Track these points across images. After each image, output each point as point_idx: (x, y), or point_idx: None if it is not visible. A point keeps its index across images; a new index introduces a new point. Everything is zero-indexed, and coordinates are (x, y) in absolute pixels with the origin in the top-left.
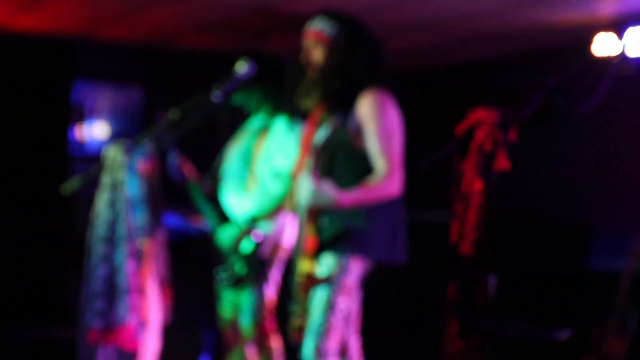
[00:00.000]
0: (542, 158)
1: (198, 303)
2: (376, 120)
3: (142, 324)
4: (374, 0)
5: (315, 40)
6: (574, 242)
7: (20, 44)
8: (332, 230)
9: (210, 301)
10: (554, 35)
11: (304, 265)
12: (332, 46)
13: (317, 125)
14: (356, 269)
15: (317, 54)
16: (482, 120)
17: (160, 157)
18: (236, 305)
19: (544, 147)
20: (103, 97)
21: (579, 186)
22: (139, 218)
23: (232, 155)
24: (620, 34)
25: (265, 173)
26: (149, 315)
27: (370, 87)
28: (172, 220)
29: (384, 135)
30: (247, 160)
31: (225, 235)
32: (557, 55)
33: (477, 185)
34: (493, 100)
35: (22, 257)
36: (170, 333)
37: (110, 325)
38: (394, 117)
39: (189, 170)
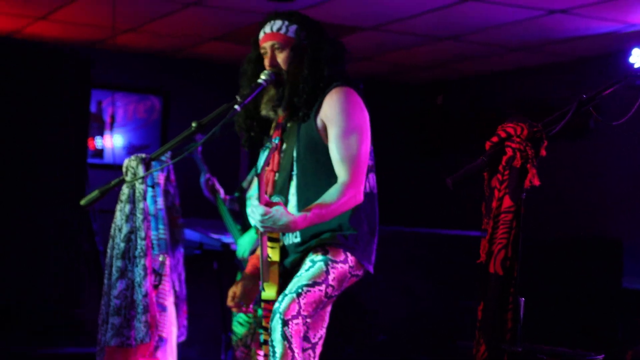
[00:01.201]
0: (573, 174)
1: (216, 318)
2: (340, 120)
3: (160, 341)
4: (395, 8)
5: (279, 42)
6: (606, 260)
7: (38, 52)
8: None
9: (228, 316)
10: (588, 47)
11: (268, 293)
12: (297, 48)
13: (282, 134)
14: (355, 265)
15: (280, 57)
16: (511, 134)
17: (181, 170)
18: (249, 321)
19: (575, 162)
20: (122, 106)
21: (611, 203)
22: (158, 232)
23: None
24: None
25: None
26: (167, 331)
27: (336, 85)
28: (192, 233)
29: (347, 138)
30: None
31: (244, 243)
32: (591, 67)
33: (507, 202)
34: (523, 112)
35: (39, 271)
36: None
37: (128, 342)
38: (360, 116)
39: (217, 188)
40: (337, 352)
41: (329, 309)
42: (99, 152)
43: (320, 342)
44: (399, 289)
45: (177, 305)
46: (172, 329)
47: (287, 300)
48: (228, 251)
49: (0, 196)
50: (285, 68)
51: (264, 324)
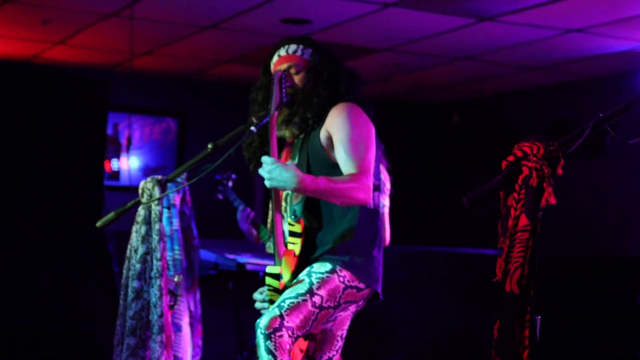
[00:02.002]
0: (589, 192)
1: (231, 338)
2: (347, 127)
3: None
4: (410, 29)
5: (296, 64)
6: (623, 278)
7: (55, 75)
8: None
9: (244, 335)
10: (604, 65)
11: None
12: (313, 70)
13: (292, 153)
14: (348, 277)
15: (297, 78)
16: (528, 153)
17: (197, 191)
18: None
19: (592, 180)
20: (138, 128)
21: (627, 221)
22: (174, 253)
23: None
24: None
25: None
26: (182, 351)
27: (343, 101)
28: (207, 254)
29: (355, 143)
30: None
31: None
32: (608, 86)
33: (523, 221)
34: (539, 131)
35: (55, 291)
36: None
37: None
38: (367, 126)
39: (259, 221)
40: None
41: (341, 331)
42: (115, 174)
43: None
44: (419, 307)
45: (192, 325)
46: (187, 349)
47: (268, 314)
48: (243, 271)
49: (17, 218)
50: (302, 88)
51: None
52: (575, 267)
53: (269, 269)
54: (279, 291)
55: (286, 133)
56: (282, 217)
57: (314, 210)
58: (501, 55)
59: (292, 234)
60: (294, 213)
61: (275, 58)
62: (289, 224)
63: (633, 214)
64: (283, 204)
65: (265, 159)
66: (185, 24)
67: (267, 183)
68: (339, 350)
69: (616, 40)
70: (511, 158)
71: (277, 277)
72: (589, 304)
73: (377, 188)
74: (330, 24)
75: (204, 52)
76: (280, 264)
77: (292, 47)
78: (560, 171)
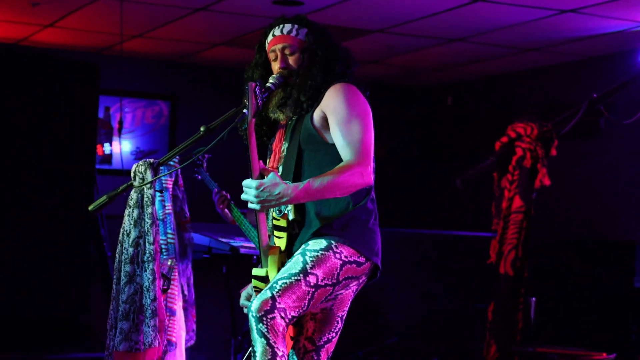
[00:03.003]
0: (584, 173)
1: (225, 322)
2: (344, 108)
3: (169, 345)
4: (403, 10)
5: (290, 44)
6: (618, 261)
7: (46, 59)
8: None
9: (237, 320)
10: (599, 46)
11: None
12: (308, 51)
13: (288, 130)
14: (346, 252)
15: (291, 59)
16: (521, 134)
17: (189, 174)
18: None
19: (586, 162)
20: (130, 111)
21: (622, 203)
22: (167, 237)
23: None
24: None
25: None
26: (176, 335)
27: (340, 81)
28: (200, 237)
29: (352, 124)
30: None
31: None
32: (602, 66)
33: (517, 203)
34: (533, 112)
35: (47, 277)
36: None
37: (137, 347)
38: (364, 107)
39: (229, 204)
40: (347, 354)
41: (341, 312)
42: (107, 158)
43: (328, 346)
44: (412, 290)
45: (185, 309)
46: (181, 333)
47: (259, 297)
48: (237, 255)
49: (8, 202)
50: (296, 69)
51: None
52: (570, 249)
53: (255, 272)
54: None
55: (280, 115)
56: (266, 213)
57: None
58: (495, 37)
59: (277, 228)
60: (278, 207)
61: (269, 37)
62: (274, 218)
63: (628, 196)
64: None
65: (247, 182)
66: (176, 6)
67: (255, 207)
68: (338, 333)
69: (610, 21)
70: (505, 139)
71: (263, 279)
72: (583, 286)
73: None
74: (323, 5)
75: (196, 35)
76: (266, 264)
77: (287, 27)
78: (554, 152)
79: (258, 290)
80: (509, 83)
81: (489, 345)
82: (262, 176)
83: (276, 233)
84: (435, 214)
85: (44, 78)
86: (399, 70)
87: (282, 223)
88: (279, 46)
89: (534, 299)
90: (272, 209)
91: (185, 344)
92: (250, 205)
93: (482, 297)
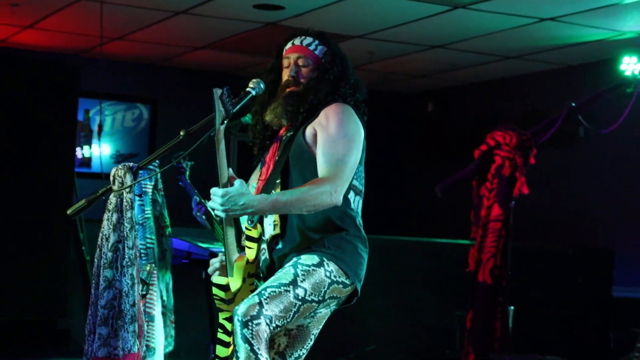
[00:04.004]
0: (563, 182)
1: (204, 327)
2: (333, 126)
3: (147, 350)
4: (383, 16)
5: (305, 56)
6: (596, 270)
7: (26, 61)
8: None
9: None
10: (579, 54)
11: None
12: (321, 69)
13: (282, 144)
14: (335, 272)
15: (303, 71)
16: (500, 142)
17: (169, 178)
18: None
19: (566, 170)
20: (110, 114)
21: (600, 211)
22: (146, 241)
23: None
24: None
25: None
26: (154, 341)
27: (338, 101)
28: (180, 242)
29: (335, 143)
30: None
31: None
32: (582, 75)
33: (496, 211)
34: (513, 120)
35: (25, 280)
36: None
37: (115, 352)
38: (355, 128)
39: (209, 214)
40: None
41: (316, 330)
42: (87, 161)
43: None
44: (391, 297)
45: (164, 314)
46: (159, 338)
47: (246, 302)
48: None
49: None
50: (304, 82)
51: (220, 319)
52: (548, 257)
53: (215, 279)
54: (225, 301)
55: (272, 120)
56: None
57: (284, 215)
58: (475, 44)
59: (248, 238)
60: (251, 218)
61: (288, 45)
62: (246, 228)
63: (606, 205)
64: None
65: (214, 190)
66: (156, 9)
67: (220, 215)
68: (309, 350)
69: (589, 29)
70: (484, 147)
71: (223, 288)
72: (561, 294)
73: (360, 193)
74: (303, 10)
75: (176, 38)
76: (231, 274)
77: (308, 39)
78: (532, 161)
79: (217, 298)
80: (489, 90)
81: (467, 353)
82: (230, 184)
83: (247, 243)
84: (414, 221)
85: (23, 80)
86: (379, 76)
87: (254, 233)
88: (294, 55)
89: (512, 307)
90: (245, 219)
91: (164, 349)
92: (215, 212)
93: (461, 305)
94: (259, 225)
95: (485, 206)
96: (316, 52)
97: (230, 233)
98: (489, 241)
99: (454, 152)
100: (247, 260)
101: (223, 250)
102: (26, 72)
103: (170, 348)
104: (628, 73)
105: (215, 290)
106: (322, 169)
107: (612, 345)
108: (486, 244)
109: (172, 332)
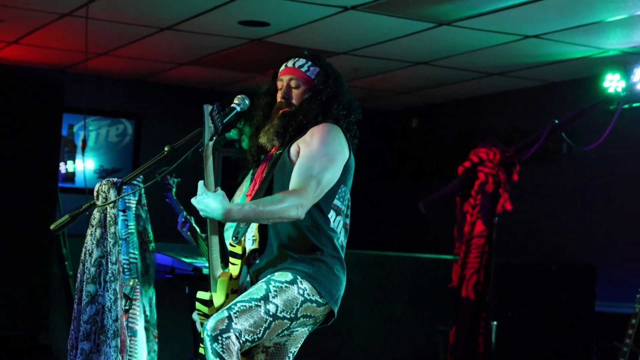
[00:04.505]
0: (546, 198)
1: (187, 342)
2: (315, 143)
3: None
4: (367, 33)
5: (297, 78)
6: (579, 285)
7: (9, 75)
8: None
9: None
10: (562, 72)
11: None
12: (313, 90)
13: (270, 162)
14: (309, 290)
15: (295, 92)
16: (484, 158)
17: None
18: None
19: (548, 187)
20: (94, 129)
21: (583, 227)
22: (129, 256)
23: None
24: (629, 70)
25: None
26: (137, 356)
27: (327, 121)
28: (163, 258)
29: (317, 160)
30: None
31: None
32: (565, 91)
33: (479, 227)
34: (497, 137)
35: (6, 295)
36: None
37: None
38: (337, 148)
39: (194, 231)
40: None
41: (294, 348)
42: (71, 176)
43: None
44: (375, 312)
45: (147, 329)
46: (142, 353)
47: (215, 316)
48: (200, 275)
49: None
50: (296, 104)
51: (203, 334)
52: (531, 273)
53: (199, 295)
54: (208, 317)
55: (266, 142)
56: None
57: (263, 230)
58: (459, 60)
59: (232, 254)
60: (235, 234)
61: (282, 67)
62: (230, 244)
63: (589, 221)
64: (226, 225)
65: (199, 185)
66: (141, 25)
67: (200, 211)
68: None
69: (572, 47)
70: (467, 164)
71: (207, 303)
72: (544, 309)
73: (340, 212)
74: (288, 26)
75: (161, 54)
76: (214, 289)
77: (301, 61)
78: (516, 177)
79: (201, 314)
80: (473, 107)
81: None
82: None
83: (231, 259)
84: (398, 236)
85: (7, 95)
86: (363, 92)
87: (238, 250)
88: (287, 77)
89: (495, 322)
90: (229, 236)
91: None
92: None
93: (444, 320)
94: (243, 242)
95: (468, 222)
96: (308, 73)
97: (215, 249)
98: (472, 257)
99: (438, 168)
100: (231, 276)
101: (207, 265)
102: (10, 87)
103: None
104: (611, 90)
105: (198, 306)
106: (293, 180)
107: (594, 359)
108: (469, 260)
109: (155, 347)
